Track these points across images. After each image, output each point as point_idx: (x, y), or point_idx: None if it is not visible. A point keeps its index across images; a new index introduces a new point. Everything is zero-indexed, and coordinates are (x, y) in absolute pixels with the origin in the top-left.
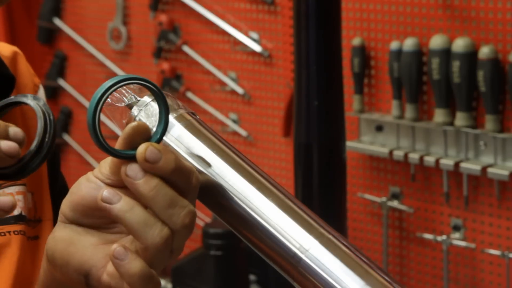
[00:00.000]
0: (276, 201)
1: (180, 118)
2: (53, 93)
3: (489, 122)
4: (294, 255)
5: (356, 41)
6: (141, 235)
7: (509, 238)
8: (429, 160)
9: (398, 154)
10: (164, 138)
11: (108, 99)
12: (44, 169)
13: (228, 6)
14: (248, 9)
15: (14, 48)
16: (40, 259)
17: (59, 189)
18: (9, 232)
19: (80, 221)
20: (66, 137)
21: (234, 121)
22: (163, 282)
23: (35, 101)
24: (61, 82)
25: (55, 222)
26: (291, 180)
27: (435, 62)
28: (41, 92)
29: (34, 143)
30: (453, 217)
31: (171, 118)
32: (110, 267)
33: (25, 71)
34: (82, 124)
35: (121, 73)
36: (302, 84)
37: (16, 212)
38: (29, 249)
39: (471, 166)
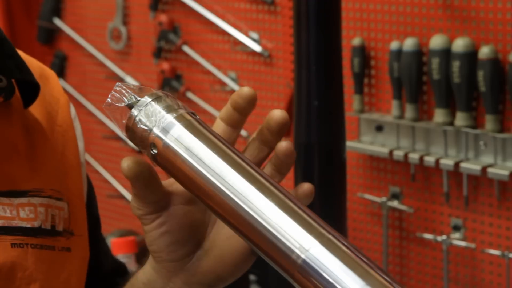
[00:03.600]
0: (276, 201)
1: (180, 118)
2: None
3: (489, 122)
4: (294, 255)
5: (356, 41)
6: None
7: (509, 238)
8: (429, 160)
9: (398, 154)
10: (164, 138)
11: (108, 99)
12: (82, 187)
13: (228, 6)
14: (248, 9)
15: (43, 66)
16: (68, 271)
17: (92, 218)
18: (27, 244)
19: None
20: None
21: None
22: None
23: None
24: (61, 82)
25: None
26: (291, 180)
27: (435, 62)
28: (73, 111)
29: None
30: (453, 217)
31: (171, 118)
32: None
33: (56, 86)
34: (82, 124)
35: (121, 73)
36: (302, 84)
37: (36, 224)
38: (51, 262)
39: (471, 166)
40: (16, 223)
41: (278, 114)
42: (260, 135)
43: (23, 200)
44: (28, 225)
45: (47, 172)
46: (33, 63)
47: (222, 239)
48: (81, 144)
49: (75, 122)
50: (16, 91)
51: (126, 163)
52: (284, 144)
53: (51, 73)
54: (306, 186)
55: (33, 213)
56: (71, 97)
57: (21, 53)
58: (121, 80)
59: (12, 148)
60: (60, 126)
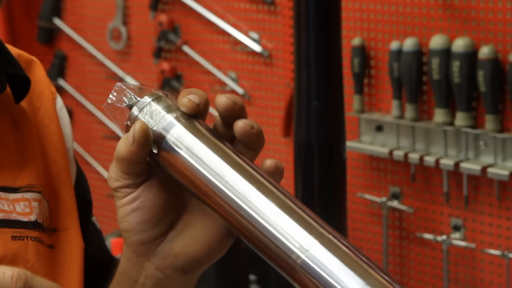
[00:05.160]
0: (276, 201)
1: (180, 118)
2: None
3: (489, 122)
4: (294, 255)
5: (356, 41)
6: None
7: (509, 238)
8: (429, 160)
9: (398, 154)
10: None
11: (108, 100)
12: (67, 178)
13: (228, 6)
14: (248, 9)
15: (31, 57)
16: (52, 268)
17: (81, 201)
18: (26, 237)
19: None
20: None
21: None
22: None
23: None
24: (61, 82)
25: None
26: (291, 180)
27: (435, 62)
28: (59, 102)
29: None
30: (453, 217)
31: (171, 118)
32: None
33: (41, 79)
34: (82, 124)
35: (121, 73)
36: (302, 84)
37: (32, 218)
38: (45, 257)
39: (471, 166)
40: (15, 216)
41: (221, 101)
42: (220, 116)
43: (17, 195)
44: (25, 219)
45: (36, 168)
46: (21, 57)
47: (196, 219)
48: (67, 132)
49: (61, 112)
50: (7, 86)
51: (139, 124)
52: (238, 125)
53: (37, 65)
54: (269, 162)
55: (28, 208)
56: (71, 97)
57: (9, 46)
58: (121, 80)
59: (1, 144)
60: (40, 123)
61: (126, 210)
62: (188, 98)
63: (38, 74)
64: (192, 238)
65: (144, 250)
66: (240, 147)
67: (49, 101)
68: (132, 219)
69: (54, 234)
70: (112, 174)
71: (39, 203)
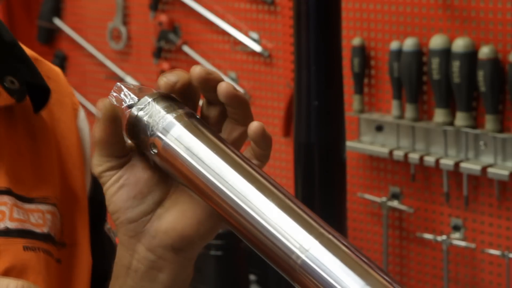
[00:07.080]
0: (276, 201)
1: (180, 118)
2: None
3: (489, 122)
4: (294, 255)
5: (356, 41)
6: None
7: (509, 238)
8: (429, 160)
9: (398, 154)
10: (164, 138)
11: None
12: (81, 192)
13: (228, 6)
14: (248, 9)
15: (53, 67)
16: (59, 283)
17: (95, 205)
18: (38, 248)
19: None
20: None
21: None
22: None
23: None
24: None
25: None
26: (291, 180)
27: (435, 62)
28: (82, 113)
29: None
30: (453, 217)
31: (171, 118)
32: None
33: (64, 89)
34: None
35: (121, 73)
36: (302, 84)
37: (45, 230)
38: (53, 271)
39: (471, 166)
40: (28, 226)
41: (194, 71)
42: (197, 86)
43: (31, 206)
44: (38, 230)
45: (52, 180)
46: (40, 65)
47: (184, 196)
48: (86, 144)
49: (82, 124)
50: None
51: (103, 102)
52: (222, 86)
53: (59, 75)
54: (255, 124)
55: (42, 219)
56: None
57: (32, 53)
58: (121, 80)
59: (17, 152)
60: (60, 134)
61: (112, 190)
62: (164, 77)
63: (60, 84)
64: (180, 213)
65: (133, 230)
66: (229, 124)
67: (70, 112)
68: (118, 197)
69: (63, 248)
70: (94, 161)
71: (53, 216)
